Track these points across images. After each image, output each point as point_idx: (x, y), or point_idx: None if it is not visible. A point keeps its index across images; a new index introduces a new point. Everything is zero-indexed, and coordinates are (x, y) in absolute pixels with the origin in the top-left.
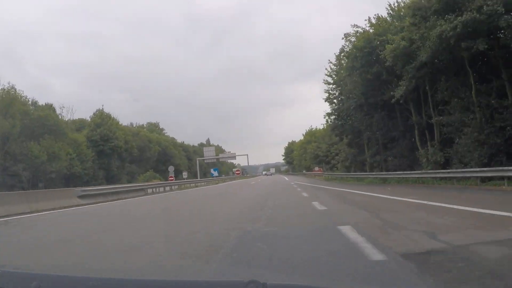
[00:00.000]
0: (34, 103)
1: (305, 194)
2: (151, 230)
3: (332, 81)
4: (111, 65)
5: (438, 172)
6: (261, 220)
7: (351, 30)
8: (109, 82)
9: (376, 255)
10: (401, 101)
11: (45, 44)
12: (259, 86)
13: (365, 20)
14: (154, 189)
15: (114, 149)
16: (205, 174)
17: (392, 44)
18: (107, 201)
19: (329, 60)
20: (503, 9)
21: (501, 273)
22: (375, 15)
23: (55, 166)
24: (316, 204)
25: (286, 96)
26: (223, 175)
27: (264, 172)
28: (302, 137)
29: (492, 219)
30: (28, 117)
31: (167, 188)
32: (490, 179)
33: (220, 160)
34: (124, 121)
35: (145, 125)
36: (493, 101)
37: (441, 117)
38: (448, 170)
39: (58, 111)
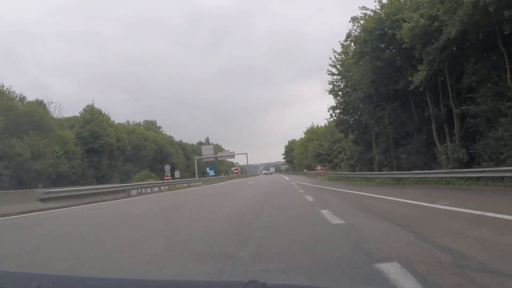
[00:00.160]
0: (22, 99)
1: (309, 199)
2: (89, 252)
3: (336, 72)
4: (111, 65)
5: (467, 171)
6: (247, 255)
7: (359, 13)
8: (109, 82)
9: None
10: (420, 89)
11: (45, 44)
12: (259, 86)
13: (375, 1)
14: (140, 190)
15: (104, 147)
16: (204, 173)
17: (409, 23)
18: (76, 205)
19: (333, 49)
20: None
21: None
22: None
23: (39, 164)
24: (326, 214)
25: (286, 96)
26: (222, 174)
27: (264, 172)
28: (303, 136)
29: None
30: (13, 113)
31: (155, 189)
32: None
33: (219, 159)
34: (123, 120)
35: (142, 123)
36: None
37: (469, 106)
38: (481, 169)
39: (51, 108)
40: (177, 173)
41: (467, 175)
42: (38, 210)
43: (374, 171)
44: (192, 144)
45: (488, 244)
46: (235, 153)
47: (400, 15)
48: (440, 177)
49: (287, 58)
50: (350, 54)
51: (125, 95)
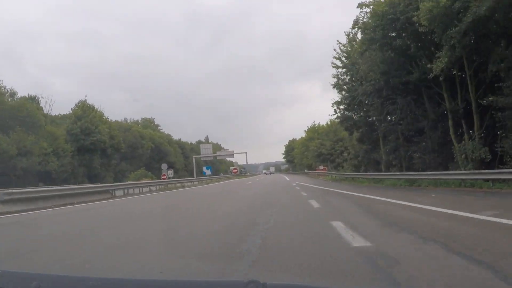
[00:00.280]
0: (13, 94)
1: (314, 204)
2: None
3: (341, 65)
4: (111, 65)
5: (496, 172)
6: None
7: None
8: (109, 82)
9: None
10: (440, 78)
11: (45, 44)
12: (259, 86)
13: None
14: (126, 191)
15: (97, 144)
16: (203, 172)
17: (428, 3)
18: (44, 208)
19: (337, 41)
20: None
21: None
22: None
23: (26, 162)
24: (340, 228)
25: (286, 96)
26: (222, 174)
27: (264, 171)
28: (303, 135)
29: None
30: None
31: (145, 189)
32: None
33: (218, 158)
34: (121, 118)
35: (139, 121)
36: None
37: (496, 97)
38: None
39: (42, 103)
40: (170, 173)
41: (495, 176)
42: None
43: (380, 171)
44: (191, 143)
45: None
46: (234, 152)
47: None
48: (463, 179)
49: (287, 58)
50: (356, 46)
51: (125, 95)
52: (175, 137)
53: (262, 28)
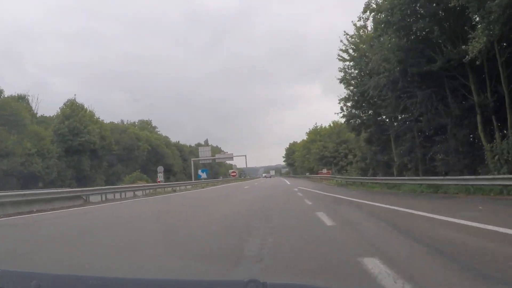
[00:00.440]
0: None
1: (326, 220)
2: None
3: (348, 57)
4: (111, 65)
5: None
6: None
7: None
8: (109, 82)
9: None
10: (477, 62)
11: (45, 44)
12: (259, 86)
13: None
14: (104, 196)
15: (85, 145)
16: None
17: None
18: None
19: (344, 32)
20: None
21: None
22: None
23: (7, 163)
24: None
25: (287, 96)
26: (221, 177)
27: (264, 175)
28: (304, 138)
29: None
30: None
31: (129, 194)
32: None
33: (217, 161)
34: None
35: (136, 123)
36: None
37: None
38: None
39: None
40: (160, 176)
41: None
42: None
43: (391, 175)
44: (190, 146)
45: None
46: (234, 155)
47: None
48: (506, 185)
49: (287, 58)
50: (365, 36)
51: (125, 95)
52: (175, 137)
53: (262, 28)
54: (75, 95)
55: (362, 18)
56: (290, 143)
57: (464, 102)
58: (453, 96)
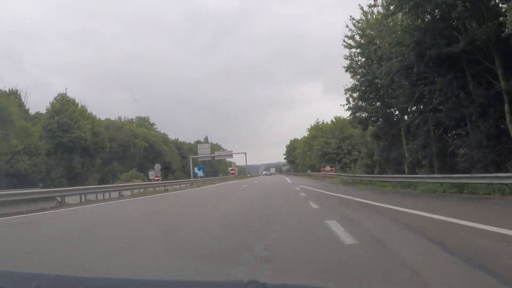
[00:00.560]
0: None
1: (344, 236)
2: None
3: (354, 44)
4: (111, 65)
5: None
6: None
7: None
8: (109, 82)
9: None
10: None
11: (45, 44)
12: (259, 86)
13: None
14: (84, 197)
15: (76, 142)
16: None
17: None
18: None
19: (350, 16)
20: None
21: None
22: None
23: None
24: None
25: (287, 96)
26: (221, 175)
27: (264, 172)
28: (306, 134)
29: None
30: None
31: (114, 195)
32: None
33: (216, 158)
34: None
35: (134, 120)
36: None
37: None
38: None
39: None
40: (151, 174)
41: None
42: None
43: (402, 172)
44: (189, 143)
45: None
46: (233, 152)
47: None
48: None
49: (287, 58)
50: (373, 20)
51: (125, 95)
52: (175, 137)
53: (262, 28)
54: (66, 89)
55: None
56: (291, 140)
57: (489, 89)
58: (475, 83)
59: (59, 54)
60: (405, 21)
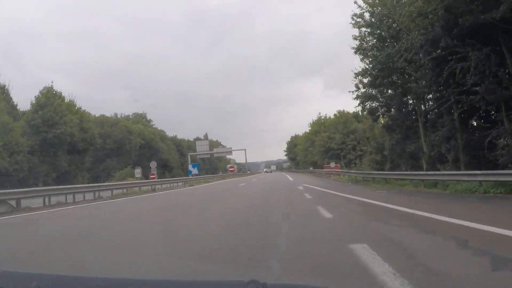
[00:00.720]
0: None
1: None
2: None
3: (363, 23)
4: (111, 64)
5: None
6: None
7: None
8: (110, 81)
9: None
10: None
11: (45, 43)
12: (260, 85)
13: None
14: (47, 200)
15: (62, 138)
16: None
17: None
18: None
19: None
20: None
21: None
22: None
23: None
24: None
25: (287, 95)
26: (220, 172)
27: (265, 170)
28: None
29: None
30: None
31: (89, 196)
32: None
33: (215, 155)
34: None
35: (131, 116)
36: None
37: None
38: None
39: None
40: (137, 172)
41: None
42: None
43: (419, 169)
44: (188, 140)
45: None
46: (233, 149)
47: None
48: None
49: (287, 57)
50: None
51: (125, 94)
52: (176, 135)
53: (262, 27)
54: (52, 82)
55: None
56: (291, 136)
57: None
58: (510, 57)
59: (59, 53)
60: None
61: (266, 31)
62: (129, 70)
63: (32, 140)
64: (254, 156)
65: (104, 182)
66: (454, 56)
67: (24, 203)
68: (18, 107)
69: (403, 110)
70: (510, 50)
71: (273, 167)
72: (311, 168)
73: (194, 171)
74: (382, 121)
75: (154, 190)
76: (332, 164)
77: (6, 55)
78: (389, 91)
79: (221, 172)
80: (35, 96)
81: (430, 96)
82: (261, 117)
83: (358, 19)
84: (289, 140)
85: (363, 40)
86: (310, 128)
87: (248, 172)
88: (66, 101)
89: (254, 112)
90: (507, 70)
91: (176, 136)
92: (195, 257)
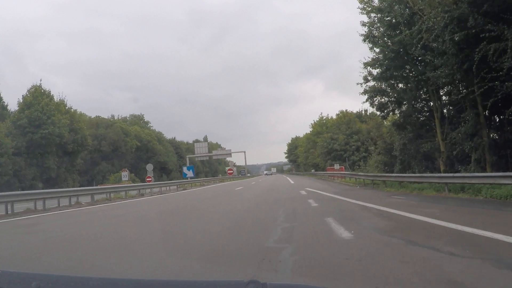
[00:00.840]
0: None
1: None
2: None
3: (372, 8)
4: (112, 63)
5: None
6: None
7: None
8: (111, 80)
9: None
10: None
11: (46, 42)
12: (262, 84)
13: None
14: (10, 207)
15: (50, 139)
16: (198, 174)
17: None
18: None
19: None
20: None
21: None
22: None
23: None
24: None
25: (289, 94)
26: (220, 175)
27: (265, 172)
28: (309, 131)
29: None
30: None
31: (64, 202)
32: None
33: (214, 157)
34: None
35: (128, 117)
36: None
37: None
38: None
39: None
40: (124, 175)
41: None
42: None
43: (435, 170)
44: (187, 142)
45: None
46: (232, 151)
47: None
48: None
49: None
50: None
51: (126, 93)
52: (175, 136)
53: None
54: (40, 80)
55: None
56: (292, 138)
57: None
58: None
59: (60, 52)
60: None
61: (269, 29)
62: (130, 69)
63: (17, 141)
64: (254, 159)
65: (97, 186)
66: (486, 34)
67: None
68: (8, 108)
69: (417, 105)
70: None
71: (274, 170)
72: (312, 171)
73: (190, 173)
74: (390, 120)
75: (142, 195)
76: (336, 166)
77: (7, 53)
78: (400, 85)
79: (220, 175)
80: (22, 95)
81: (449, 88)
82: (263, 116)
83: (366, 4)
84: (290, 142)
85: (372, 27)
86: (311, 129)
87: (248, 174)
88: (55, 100)
89: (255, 111)
90: None
91: (174, 138)
92: None
